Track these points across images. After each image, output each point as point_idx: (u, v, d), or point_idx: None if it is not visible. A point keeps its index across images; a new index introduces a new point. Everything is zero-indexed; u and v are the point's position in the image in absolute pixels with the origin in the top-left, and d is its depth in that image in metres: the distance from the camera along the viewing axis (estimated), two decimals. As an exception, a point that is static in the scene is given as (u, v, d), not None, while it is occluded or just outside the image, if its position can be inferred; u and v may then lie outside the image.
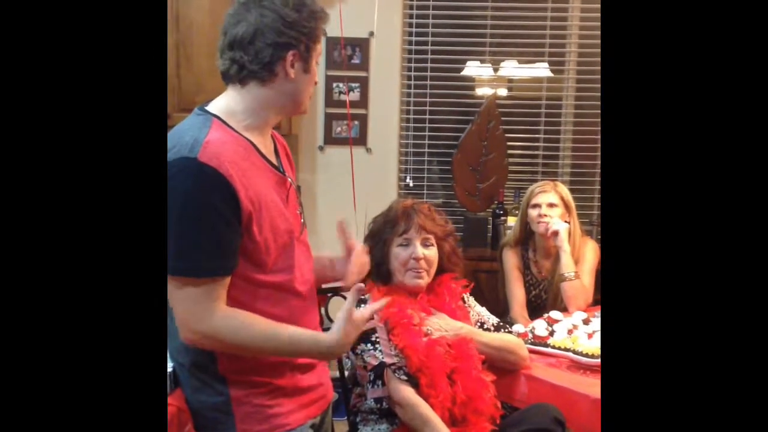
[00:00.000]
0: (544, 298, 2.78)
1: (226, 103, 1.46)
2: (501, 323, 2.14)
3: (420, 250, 2.01)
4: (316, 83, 1.52)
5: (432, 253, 2.04)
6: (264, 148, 1.47)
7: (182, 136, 1.37)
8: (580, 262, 2.69)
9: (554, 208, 2.71)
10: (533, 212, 2.74)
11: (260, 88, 1.44)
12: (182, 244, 1.33)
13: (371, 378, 1.89)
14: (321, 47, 1.50)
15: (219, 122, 1.42)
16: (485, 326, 2.09)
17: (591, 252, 2.74)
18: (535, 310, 2.74)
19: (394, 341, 1.90)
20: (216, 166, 1.33)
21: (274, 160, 1.50)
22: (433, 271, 2.05)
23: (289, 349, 1.45)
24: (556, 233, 2.65)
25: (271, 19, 1.39)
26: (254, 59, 1.41)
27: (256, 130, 1.46)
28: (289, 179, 1.53)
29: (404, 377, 1.86)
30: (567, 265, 2.61)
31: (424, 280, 2.03)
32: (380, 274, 2.06)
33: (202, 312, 1.36)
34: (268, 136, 1.53)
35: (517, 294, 2.78)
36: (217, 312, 1.37)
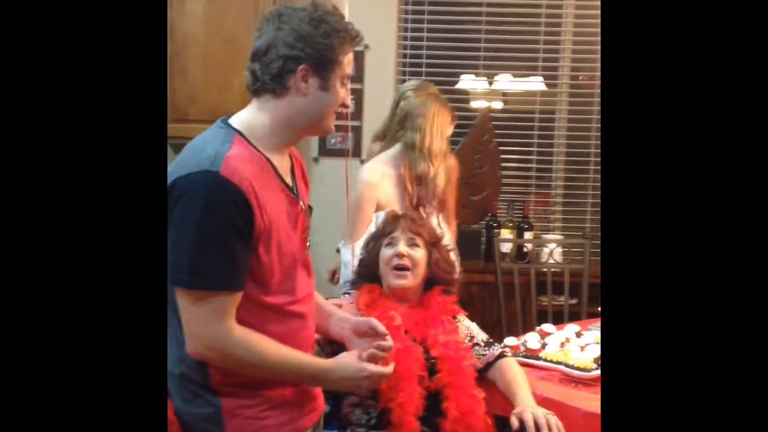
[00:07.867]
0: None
1: (247, 117, 1.47)
2: (491, 339, 2.14)
3: (403, 248, 2.03)
4: (347, 106, 1.48)
5: (418, 254, 2.04)
6: (281, 167, 1.47)
7: (204, 148, 1.37)
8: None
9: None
10: None
11: (274, 101, 1.44)
12: (198, 258, 1.33)
13: None
14: (349, 68, 1.46)
15: (240, 137, 1.42)
16: (474, 341, 2.09)
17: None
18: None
19: None
20: (237, 182, 1.33)
21: (289, 180, 1.50)
22: (419, 272, 2.04)
23: (297, 376, 1.48)
24: None
25: (284, 33, 1.41)
26: (265, 70, 1.42)
27: (274, 148, 1.46)
28: (301, 202, 1.52)
29: None
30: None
31: (408, 281, 2.02)
32: (368, 276, 2.10)
33: (218, 327, 1.36)
34: (286, 156, 1.52)
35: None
36: (232, 329, 1.37)
